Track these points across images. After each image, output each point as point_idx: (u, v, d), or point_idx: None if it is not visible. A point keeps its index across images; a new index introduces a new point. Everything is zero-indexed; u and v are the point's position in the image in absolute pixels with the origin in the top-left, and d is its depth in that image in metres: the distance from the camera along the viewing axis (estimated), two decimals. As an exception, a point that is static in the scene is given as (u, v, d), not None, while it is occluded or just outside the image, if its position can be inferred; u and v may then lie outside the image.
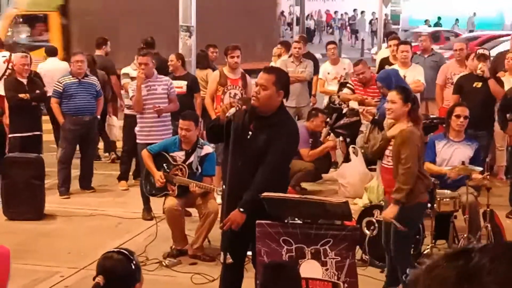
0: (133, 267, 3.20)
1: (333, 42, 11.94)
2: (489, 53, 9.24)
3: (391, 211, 5.51)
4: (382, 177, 5.98)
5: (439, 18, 37.22)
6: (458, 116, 7.11)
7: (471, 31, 35.00)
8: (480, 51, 8.85)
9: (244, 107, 4.95)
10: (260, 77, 5.01)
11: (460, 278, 1.11)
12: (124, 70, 9.65)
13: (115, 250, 3.37)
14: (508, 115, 8.06)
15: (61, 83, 9.03)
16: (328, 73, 10.99)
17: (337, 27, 40.31)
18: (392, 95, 5.72)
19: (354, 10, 40.12)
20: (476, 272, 1.10)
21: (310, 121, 9.18)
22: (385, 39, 14.87)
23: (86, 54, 9.69)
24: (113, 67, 11.13)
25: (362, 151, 8.97)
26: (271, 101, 4.95)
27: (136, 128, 8.23)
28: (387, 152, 5.69)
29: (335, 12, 41.91)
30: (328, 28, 40.82)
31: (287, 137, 5.00)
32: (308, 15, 41.73)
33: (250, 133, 4.98)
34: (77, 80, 9.04)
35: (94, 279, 3.19)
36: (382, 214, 5.84)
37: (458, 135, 7.16)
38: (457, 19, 35.77)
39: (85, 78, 9.13)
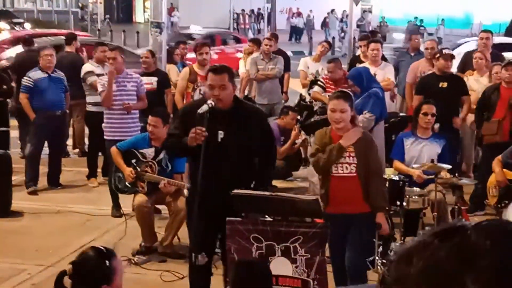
0: (104, 267, 3.16)
1: (328, 42, 11.93)
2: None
3: (385, 222, 5.37)
4: (336, 188, 5.34)
5: (415, 18, 37.35)
6: (425, 114, 7.18)
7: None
8: (446, 50, 8.94)
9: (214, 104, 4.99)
10: (215, 79, 5.08)
11: (456, 259, 1.05)
12: (86, 68, 9.50)
13: (98, 246, 3.37)
14: (485, 114, 8.14)
15: (31, 78, 8.91)
16: (308, 67, 11.01)
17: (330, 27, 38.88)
18: (340, 103, 5.26)
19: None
20: (474, 253, 1.05)
21: (281, 118, 9.19)
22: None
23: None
24: (83, 63, 11.01)
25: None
26: (230, 97, 5.16)
27: (104, 125, 8.17)
28: (342, 160, 5.30)
29: (332, 11, 41.06)
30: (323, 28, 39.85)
31: (264, 120, 5.54)
32: (294, 13, 41.55)
33: (220, 132, 5.02)
34: (47, 75, 8.94)
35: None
36: (381, 231, 5.43)
37: (425, 132, 7.23)
38: (421, 20, 36.07)
39: (53, 73, 9.04)
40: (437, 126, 8.14)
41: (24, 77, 9.02)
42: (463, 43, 17.76)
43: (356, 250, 5.29)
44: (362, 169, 5.26)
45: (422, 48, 10.71)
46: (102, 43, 10.93)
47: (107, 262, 3.18)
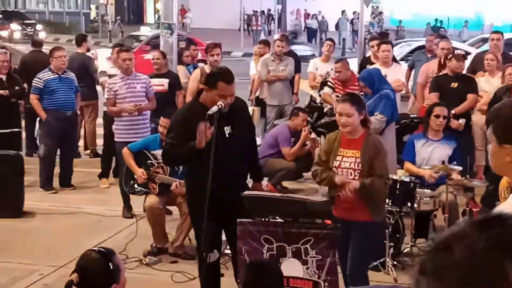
0: (110, 267, 3.18)
1: (331, 40, 11.92)
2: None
3: (348, 187, 5.04)
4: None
5: (436, 20, 37.03)
6: (437, 116, 7.17)
7: None
8: (458, 51, 8.93)
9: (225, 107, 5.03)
10: (227, 89, 5.11)
11: (497, 249, 1.04)
12: (101, 68, 9.69)
13: (95, 248, 3.35)
14: None
15: (41, 79, 8.96)
16: (317, 69, 11.00)
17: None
18: (346, 107, 5.16)
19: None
20: None
21: (291, 120, 9.19)
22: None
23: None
24: (94, 64, 11.06)
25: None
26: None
27: (114, 126, 8.21)
28: (346, 165, 5.23)
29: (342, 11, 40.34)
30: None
31: (246, 108, 5.71)
32: (309, 15, 41.39)
33: (226, 129, 5.12)
34: (57, 75, 8.99)
35: (70, 276, 3.21)
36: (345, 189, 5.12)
37: (436, 134, 7.23)
38: (441, 21, 35.91)
39: (64, 73, 9.09)
40: (462, 121, 8.12)
41: (35, 78, 9.06)
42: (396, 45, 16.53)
43: (354, 256, 5.21)
44: (366, 175, 5.13)
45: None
46: (119, 45, 10.98)
47: (110, 263, 3.20)
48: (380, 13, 39.34)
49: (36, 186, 9.08)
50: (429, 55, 10.89)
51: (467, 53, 10.83)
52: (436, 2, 40.77)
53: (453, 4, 39.76)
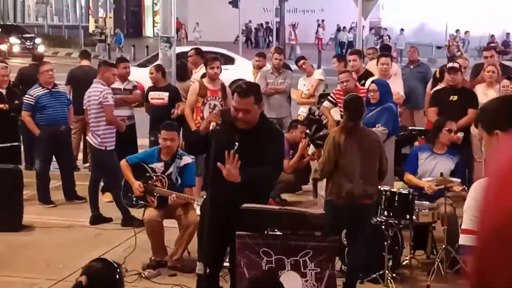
0: (117, 277, 3.20)
1: (302, 58, 11.90)
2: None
3: None
4: None
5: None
6: (450, 131, 7.20)
7: None
8: (450, 64, 8.95)
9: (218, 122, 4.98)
10: (239, 102, 4.95)
11: None
12: None
13: (103, 258, 3.38)
14: None
15: (32, 95, 8.91)
16: (304, 85, 11.07)
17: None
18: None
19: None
20: None
21: (290, 132, 9.20)
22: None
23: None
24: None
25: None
26: (255, 118, 5.04)
27: (102, 133, 8.20)
28: None
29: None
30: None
31: (278, 136, 5.25)
32: (339, 28, 41.18)
33: (236, 144, 5.00)
34: (48, 90, 8.96)
35: (78, 278, 3.22)
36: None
37: (442, 148, 7.24)
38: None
39: (54, 87, 9.08)
40: (461, 134, 8.16)
41: (26, 95, 9.03)
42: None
43: None
44: None
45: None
46: (123, 59, 10.95)
47: (117, 275, 3.21)
48: (380, 27, 39.47)
49: (35, 199, 9.08)
50: (411, 67, 11.25)
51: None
52: (435, 13, 40.85)
53: (452, 14, 39.83)
